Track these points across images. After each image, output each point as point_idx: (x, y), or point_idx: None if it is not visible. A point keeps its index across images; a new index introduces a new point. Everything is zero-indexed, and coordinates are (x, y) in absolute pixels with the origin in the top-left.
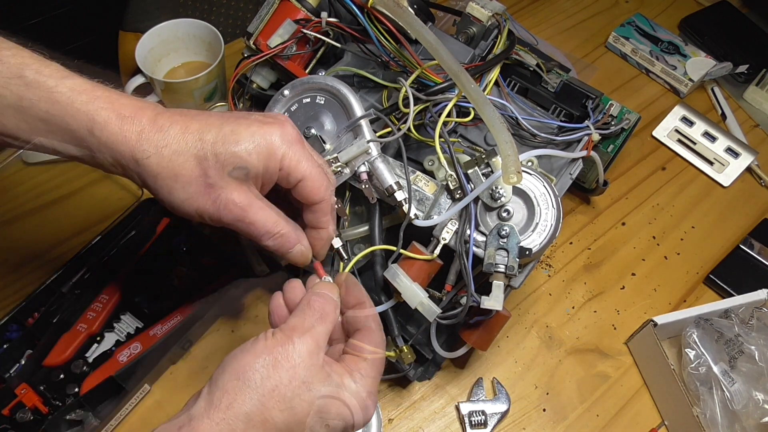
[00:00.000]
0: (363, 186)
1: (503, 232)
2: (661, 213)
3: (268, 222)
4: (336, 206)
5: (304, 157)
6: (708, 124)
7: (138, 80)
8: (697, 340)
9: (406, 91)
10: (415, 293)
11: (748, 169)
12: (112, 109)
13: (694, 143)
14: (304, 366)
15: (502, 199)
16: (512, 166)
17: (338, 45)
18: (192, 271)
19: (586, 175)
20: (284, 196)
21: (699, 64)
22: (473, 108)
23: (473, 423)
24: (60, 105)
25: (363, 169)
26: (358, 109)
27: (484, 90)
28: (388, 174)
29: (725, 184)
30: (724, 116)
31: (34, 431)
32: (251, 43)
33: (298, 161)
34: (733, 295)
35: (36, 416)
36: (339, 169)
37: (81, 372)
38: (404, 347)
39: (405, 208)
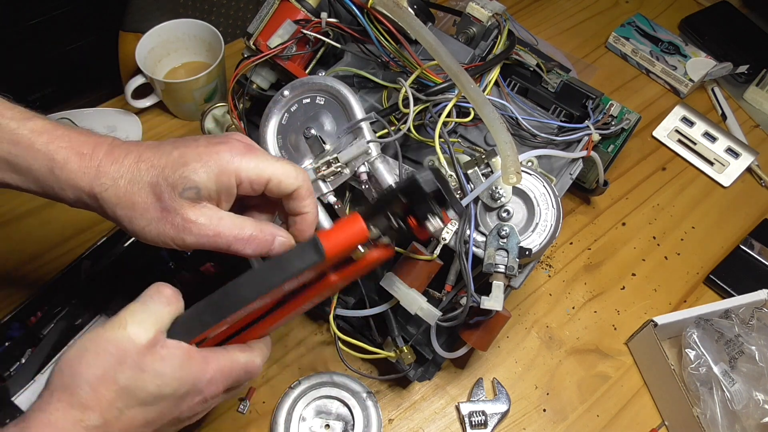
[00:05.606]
0: (363, 186)
1: (503, 233)
2: (661, 213)
3: (234, 228)
4: (336, 206)
5: (261, 161)
6: (708, 124)
7: (138, 80)
8: (697, 341)
9: (405, 92)
10: (413, 299)
11: (749, 170)
12: (71, 148)
13: (695, 143)
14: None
15: (502, 199)
16: (512, 167)
17: (338, 45)
18: (196, 275)
19: (586, 175)
20: (252, 200)
21: (699, 65)
22: (473, 108)
23: (473, 423)
24: (21, 146)
25: (363, 169)
26: (357, 110)
27: (484, 90)
28: (388, 174)
29: (725, 185)
30: (724, 116)
31: None
32: (251, 43)
33: (255, 167)
34: (733, 296)
35: None
36: (339, 169)
37: None
38: (404, 347)
39: None
